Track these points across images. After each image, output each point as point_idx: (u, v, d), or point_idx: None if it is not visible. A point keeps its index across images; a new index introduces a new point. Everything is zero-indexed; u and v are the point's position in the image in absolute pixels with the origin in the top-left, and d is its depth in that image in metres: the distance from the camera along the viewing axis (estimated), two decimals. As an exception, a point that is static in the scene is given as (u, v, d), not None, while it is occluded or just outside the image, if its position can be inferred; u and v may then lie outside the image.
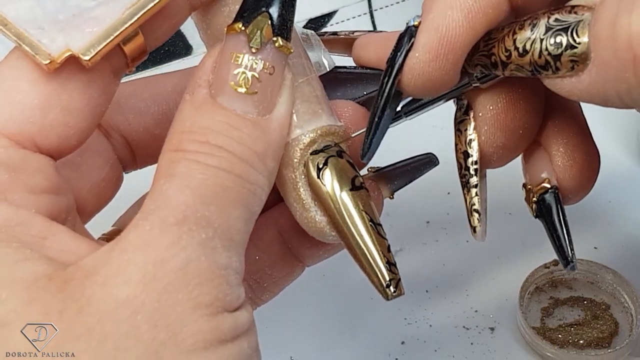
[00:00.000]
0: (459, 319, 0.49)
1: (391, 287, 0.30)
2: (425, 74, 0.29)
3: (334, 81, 0.34)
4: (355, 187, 0.30)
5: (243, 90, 0.28)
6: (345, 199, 0.30)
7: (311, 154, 0.30)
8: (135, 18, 0.27)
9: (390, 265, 0.30)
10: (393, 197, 0.34)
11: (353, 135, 0.32)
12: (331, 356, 0.48)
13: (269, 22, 0.28)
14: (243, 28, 0.28)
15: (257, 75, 0.28)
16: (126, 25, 0.27)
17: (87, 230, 0.31)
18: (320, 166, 0.30)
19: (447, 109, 0.59)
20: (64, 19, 0.27)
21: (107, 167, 0.33)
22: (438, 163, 0.34)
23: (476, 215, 0.33)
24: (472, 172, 0.33)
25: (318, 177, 0.30)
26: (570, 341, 0.47)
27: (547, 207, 0.33)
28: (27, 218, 0.26)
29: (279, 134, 0.29)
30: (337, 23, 0.64)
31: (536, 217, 0.34)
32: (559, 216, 0.33)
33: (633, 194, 0.54)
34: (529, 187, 0.34)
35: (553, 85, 0.28)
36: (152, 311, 0.24)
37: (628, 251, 0.51)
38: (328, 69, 0.33)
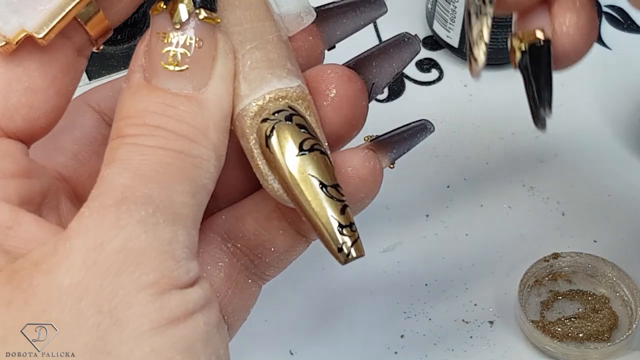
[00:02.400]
0: (458, 313, 0.49)
1: (344, 250, 0.29)
2: None
3: (329, 19, 0.33)
4: (303, 150, 0.29)
5: (174, 68, 0.27)
6: (291, 164, 0.29)
7: (262, 121, 0.29)
8: None
9: (344, 227, 0.29)
10: (393, 166, 0.33)
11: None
12: (330, 349, 0.48)
13: None
14: (164, 6, 0.28)
15: (185, 51, 0.28)
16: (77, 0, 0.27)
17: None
18: (268, 134, 0.29)
19: (445, 106, 0.59)
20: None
21: None
22: (433, 129, 0.34)
23: (483, 46, 0.31)
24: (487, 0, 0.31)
25: (267, 145, 0.29)
26: (569, 335, 0.47)
27: (535, 57, 0.32)
28: None
29: (218, 105, 0.28)
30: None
31: (517, 67, 0.32)
32: (546, 69, 0.32)
33: (633, 188, 0.54)
34: (518, 35, 0.32)
35: None
36: (95, 296, 0.24)
37: (628, 244, 0.51)
38: (309, 22, 0.33)
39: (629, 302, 0.48)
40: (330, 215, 0.29)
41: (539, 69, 0.32)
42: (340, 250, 0.29)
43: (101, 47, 0.29)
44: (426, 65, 0.61)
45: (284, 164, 0.29)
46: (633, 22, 0.63)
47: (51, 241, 0.25)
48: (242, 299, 0.32)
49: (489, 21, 0.31)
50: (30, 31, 0.26)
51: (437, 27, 0.60)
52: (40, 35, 0.27)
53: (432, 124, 0.34)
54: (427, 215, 0.53)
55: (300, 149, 0.29)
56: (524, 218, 0.53)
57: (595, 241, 0.51)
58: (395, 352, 0.48)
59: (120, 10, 0.29)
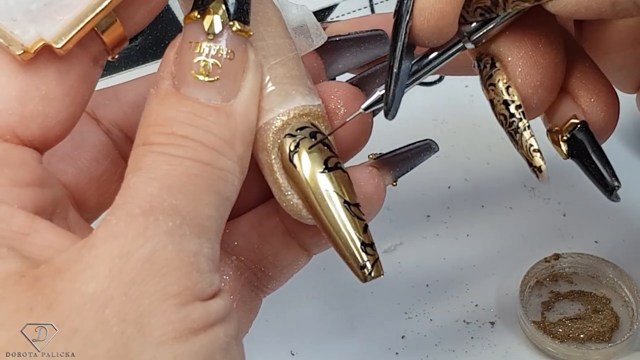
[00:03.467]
0: (459, 313, 0.49)
1: (367, 269, 0.29)
2: (437, 10, 0.30)
3: (333, 51, 0.34)
4: (328, 168, 0.29)
5: (204, 78, 0.28)
6: (316, 181, 0.29)
7: (285, 136, 0.30)
8: (106, 3, 0.27)
9: (366, 246, 0.29)
10: (396, 184, 0.34)
11: (347, 119, 0.32)
12: (331, 350, 0.48)
13: (224, 7, 0.28)
14: (199, 16, 0.28)
15: (216, 62, 0.28)
16: (97, 11, 0.27)
17: (89, 224, 0.31)
18: (292, 149, 0.29)
19: (446, 106, 0.59)
20: (36, 8, 0.27)
21: (107, 162, 0.33)
22: (437, 149, 0.34)
23: (538, 154, 0.33)
24: (519, 115, 0.32)
25: (291, 160, 0.29)
26: (570, 335, 0.47)
27: (580, 142, 0.33)
28: (8, 213, 0.26)
29: (245, 118, 0.28)
30: (337, 17, 0.64)
31: (569, 155, 0.34)
32: (595, 146, 0.33)
33: (633, 188, 0.54)
34: (556, 128, 0.34)
35: (556, 5, 0.29)
36: (120, 304, 0.24)
37: (629, 245, 0.51)
38: (319, 44, 0.33)
39: (630, 302, 0.48)
40: (353, 234, 0.29)
41: (589, 149, 0.33)
42: (363, 267, 0.29)
43: (116, 57, 0.29)
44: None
45: (308, 180, 0.29)
46: (634, 22, 0.62)
47: (74, 248, 0.25)
48: (245, 311, 0.33)
49: (531, 131, 0.33)
50: (48, 40, 0.27)
51: (438, 27, 0.60)
52: (59, 45, 0.27)
53: (436, 143, 0.34)
54: (428, 216, 0.53)
55: (325, 166, 0.29)
56: (525, 219, 0.53)
57: (596, 242, 0.51)
58: (396, 353, 0.48)
59: (137, 21, 0.29)
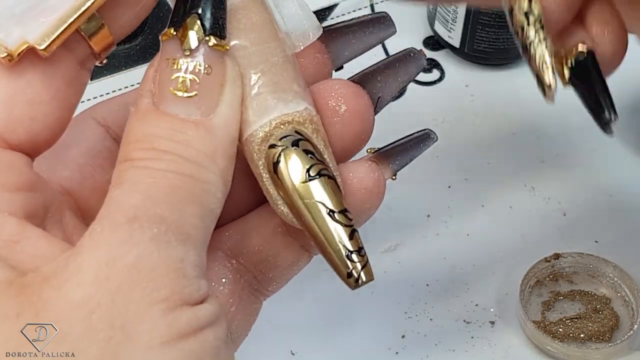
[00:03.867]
0: (459, 313, 0.49)
1: (353, 277, 0.29)
2: None
3: (337, 39, 0.34)
4: (310, 177, 0.29)
5: (182, 94, 0.27)
6: (299, 191, 0.29)
7: (269, 147, 0.30)
8: (88, 4, 0.27)
9: (352, 253, 0.29)
10: (395, 178, 0.33)
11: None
12: (331, 350, 0.48)
13: (199, 22, 0.28)
14: (174, 33, 0.28)
15: (194, 78, 0.28)
16: (79, 12, 0.27)
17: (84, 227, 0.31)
18: (275, 160, 0.29)
19: (446, 106, 0.59)
20: (19, 12, 0.27)
21: (112, 169, 0.33)
22: (436, 138, 0.34)
23: (550, 70, 0.32)
24: (538, 26, 0.32)
25: (275, 171, 0.29)
26: (570, 335, 0.47)
27: (584, 69, 0.33)
28: None
29: (225, 132, 0.28)
30: (337, 17, 0.64)
31: (569, 81, 0.33)
32: (598, 75, 0.33)
33: (634, 188, 0.54)
34: (560, 54, 0.34)
35: None
36: (107, 311, 0.24)
37: (629, 245, 0.51)
38: (315, 37, 0.33)
39: (630, 302, 0.48)
40: (338, 242, 0.29)
41: (592, 79, 0.33)
42: (350, 275, 0.29)
43: (104, 62, 0.29)
44: (427, 65, 0.61)
45: (291, 190, 0.29)
46: (634, 22, 0.62)
47: (62, 257, 0.25)
48: (245, 314, 0.32)
49: (547, 46, 0.32)
50: (32, 43, 0.26)
51: (438, 27, 0.61)
52: (42, 47, 0.26)
53: (435, 133, 0.34)
54: (428, 216, 0.53)
55: (308, 175, 0.29)
56: (525, 218, 0.53)
57: (596, 241, 0.51)
58: (397, 353, 0.48)
59: (124, 24, 0.29)
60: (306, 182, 0.29)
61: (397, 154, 0.33)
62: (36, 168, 0.29)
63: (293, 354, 0.48)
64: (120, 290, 0.24)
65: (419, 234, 0.52)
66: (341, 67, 0.34)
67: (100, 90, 0.58)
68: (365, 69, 0.33)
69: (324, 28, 0.33)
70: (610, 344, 0.46)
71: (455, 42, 0.60)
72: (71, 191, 0.32)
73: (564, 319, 0.47)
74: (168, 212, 0.26)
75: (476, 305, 0.49)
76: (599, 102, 0.33)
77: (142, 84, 0.28)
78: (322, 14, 0.64)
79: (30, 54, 0.27)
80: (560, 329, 0.47)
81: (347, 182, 0.31)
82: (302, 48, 0.32)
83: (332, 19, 0.63)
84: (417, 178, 0.55)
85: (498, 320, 0.49)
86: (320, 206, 0.29)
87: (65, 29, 0.27)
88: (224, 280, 0.32)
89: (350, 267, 0.29)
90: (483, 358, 0.47)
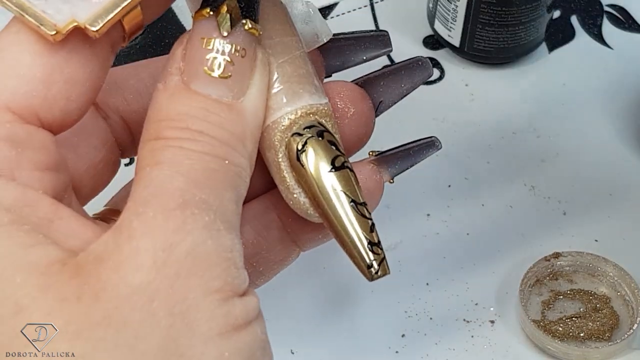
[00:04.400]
0: (459, 312, 0.49)
1: (373, 268, 0.29)
2: None
3: (332, 48, 0.34)
4: (335, 167, 0.30)
5: (216, 74, 0.27)
6: (324, 180, 0.29)
7: (292, 135, 0.30)
8: None
9: (373, 245, 0.30)
10: (393, 181, 0.34)
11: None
12: (331, 349, 0.48)
13: (237, 5, 0.28)
14: (212, 13, 0.28)
15: (229, 59, 0.28)
16: None
17: (85, 211, 0.30)
18: (300, 148, 0.30)
19: (446, 105, 0.59)
20: None
21: (105, 149, 0.33)
22: (441, 146, 0.34)
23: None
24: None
25: (298, 159, 0.30)
26: (570, 334, 0.47)
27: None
28: (35, 199, 0.25)
29: (254, 116, 0.28)
30: (337, 15, 0.64)
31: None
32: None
33: (634, 187, 0.54)
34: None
35: None
36: (166, 298, 0.23)
37: (629, 244, 0.51)
38: (325, 40, 0.33)
39: (630, 301, 0.48)
40: (361, 233, 0.29)
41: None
42: (369, 267, 0.29)
43: (127, 45, 0.29)
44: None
45: (316, 179, 0.29)
46: (634, 21, 0.63)
47: (108, 239, 0.24)
48: None
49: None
50: (82, 22, 0.26)
51: (438, 26, 0.60)
52: (95, 29, 0.26)
53: (440, 141, 0.34)
54: (428, 215, 0.53)
55: (333, 165, 0.29)
56: (525, 217, 0.53)
57: (596, 240, 0.51)
58: (397, 352, 0.48)
59: (155, 9, 0.29)
60: (331, 172, 0.29)
61: (399, 158, 0.33)
62: None
63: (293, 353, 0.48)
64: (178, 277, 0.24)
65: (418, 233, 0.52)
66: (329, 76, 0.35)
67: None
68: (370, 73, 0.34)
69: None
70: (610, 343, 0.46)
71: (455, 41, 0.60)
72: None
73: (563, 318, 0.47)
74: (211, 198, 0.25)
75: (476, 304, 0.49)
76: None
77: (171, 62, 0.28)
78: (322, 12, 0.64)
79: (73, 33, 0.26)
80: (560, 328, 0.47)
81: None
82: (310, 49, 0.32)
83: (332, 17, 0.63)
84: (417, 177, 0.55)
85: (498, 319, 0.49)
86: (345, 197, 0.29)
87: (119, 11, 0.26)
88: None
89: (372, 258, 0.29)
90: (483, 357, 0.47)
